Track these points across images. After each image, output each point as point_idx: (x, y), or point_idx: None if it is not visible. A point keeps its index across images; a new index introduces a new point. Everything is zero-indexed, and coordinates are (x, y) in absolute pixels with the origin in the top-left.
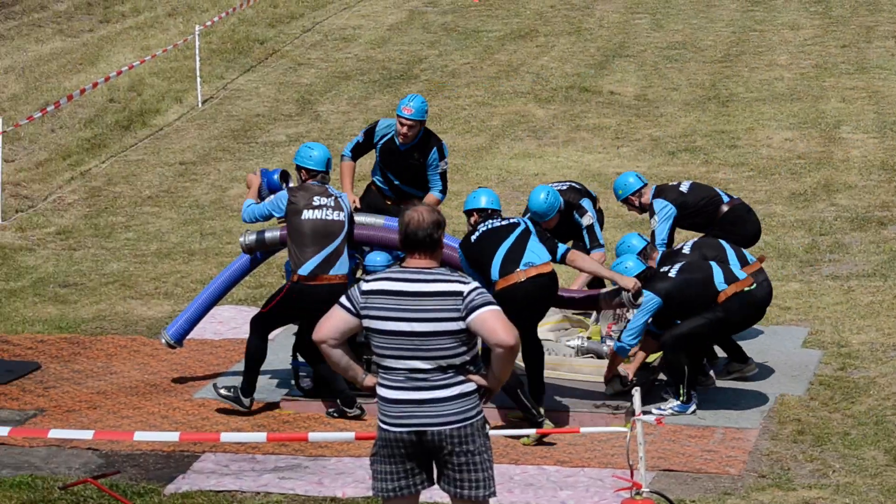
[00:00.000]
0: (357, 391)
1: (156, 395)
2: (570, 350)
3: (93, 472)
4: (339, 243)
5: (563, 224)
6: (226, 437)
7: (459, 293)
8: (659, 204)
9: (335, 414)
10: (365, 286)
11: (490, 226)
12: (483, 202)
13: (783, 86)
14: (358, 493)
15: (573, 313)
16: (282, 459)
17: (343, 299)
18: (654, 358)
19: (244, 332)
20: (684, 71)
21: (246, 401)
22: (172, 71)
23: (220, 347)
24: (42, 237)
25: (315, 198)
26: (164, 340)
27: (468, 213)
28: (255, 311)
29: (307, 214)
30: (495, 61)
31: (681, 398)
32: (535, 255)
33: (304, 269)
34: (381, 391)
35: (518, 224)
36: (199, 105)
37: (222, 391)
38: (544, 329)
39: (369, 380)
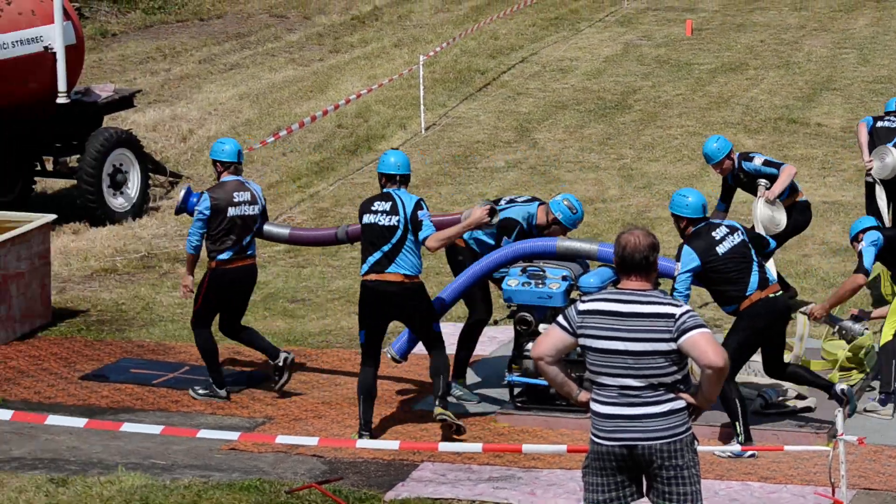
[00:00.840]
0: (568, 405)
1: (378, 406)
2: None
3: (317, 478)
4: (255, 233)
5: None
6: (444, 447)
7: (672, 315)
8: None
9: (203, 392)
10: (582, 306)
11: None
12: (390, 167)
13: None
14: (569, 503)
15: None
16: (496, 470)
17: (560, 318)
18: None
19: None
20: None
21: (222, 391)
22: (397, 99)
23: None
24: (272, 255)
25: (235, 194)
26: (389, 355)
27: (380, 176)
28: None
29: (231, 212)
30: (706, 93)
31: (737, 437)
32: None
33: (224, 256)
34: (595, 406)
35: (397, 228)
36: (423, 131)
37: (199, 390)
38: None
39: (583, 395)
